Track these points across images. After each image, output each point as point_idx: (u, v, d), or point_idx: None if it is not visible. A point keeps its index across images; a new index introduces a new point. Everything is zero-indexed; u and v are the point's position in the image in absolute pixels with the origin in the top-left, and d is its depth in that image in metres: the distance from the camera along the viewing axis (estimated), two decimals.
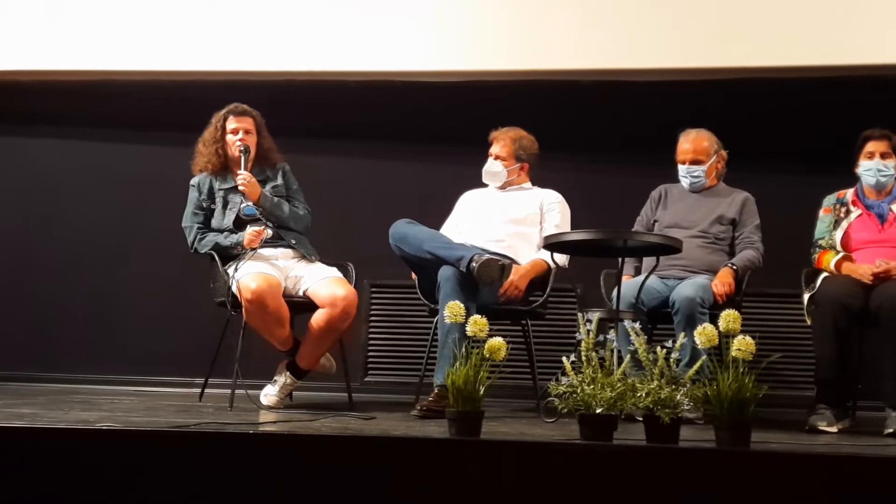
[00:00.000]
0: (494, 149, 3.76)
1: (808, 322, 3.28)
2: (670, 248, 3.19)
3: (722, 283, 3.39)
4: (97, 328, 4.60)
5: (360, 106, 4.43)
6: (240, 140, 3.61)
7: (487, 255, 3.31)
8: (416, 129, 4.47)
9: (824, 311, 3.15)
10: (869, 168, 3.40)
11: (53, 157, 4.77)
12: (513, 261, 3.53)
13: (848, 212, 3.42)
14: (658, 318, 3.45)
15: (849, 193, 3.48)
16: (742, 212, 3.63)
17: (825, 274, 3.36)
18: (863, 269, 3.24)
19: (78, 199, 4.72)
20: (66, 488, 2.18)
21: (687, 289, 3.31)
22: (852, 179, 3.48)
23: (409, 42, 4.33)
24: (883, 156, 3.38)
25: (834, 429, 3.07)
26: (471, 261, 3.24)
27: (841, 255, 3.35)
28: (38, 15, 4.48)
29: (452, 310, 2.57)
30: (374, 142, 4.54)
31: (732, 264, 3.48)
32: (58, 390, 4.10)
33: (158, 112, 4.51)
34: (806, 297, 3.34)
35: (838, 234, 3.40)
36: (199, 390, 3.69)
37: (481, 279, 3.24)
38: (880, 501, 2.03)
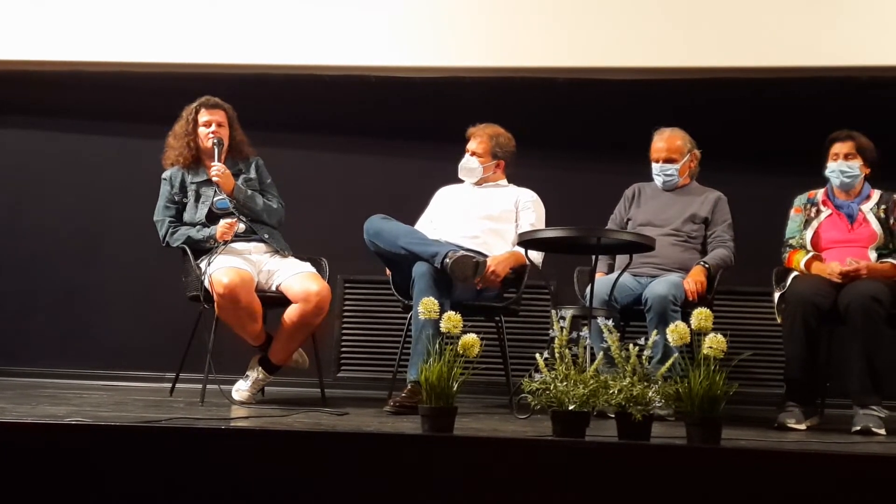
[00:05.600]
0: (471, 145, 3.76)
1: (779, 320, 3.31)
2: (643, 245, 3.20)
3: (694, 280, 3.40)
4: (67, 321, 4.55)
5: (335, 100, 4.43)
6: (213, 132, 3.59)
7: (462, 251, 3.30)
8: (391, 124, 4.48)
9: (794, 310, 3.16)
10: (833, 169, 3.44)
11: (23, 147, 4.71)
12: (487, 257, 3.52)
13: (818, 211, 3.45)
14: (631, 315, 3.47)
15: (819, 193, 3.52)
16: (714, 211, 3.64)
17: (795, 273, 3.39)
18: (831, 267, 3.27)
19: (48, 189, 4.67)
20: (32, 484, 2.15)
21: (659, 286, 3.33)
22: (824, 180, 3.51)
23: (384, 37, 4.32)
24: (847, 157, 3.41)
25: (802, 426, 3.10)
26: (445, 257, 3.24)
27: (811, 254, 3.38)
28: (12, 4, 4.44)
29: (427, 306, 2.57)
30: (349, 137, 4.53)
31: (704, 262, 3.50)
32: (26, 384, 4.06)
33: (131, 103, 4.49)
34: (776, 295, 3.36)
35: (808, 234, 3.42)
36: (170, 385, 3.68)
37: (455, 276, 3.24)
38: (848, 498, 2.04)
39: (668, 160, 3.66)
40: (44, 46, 4.39)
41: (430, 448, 2.16)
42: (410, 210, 3.79)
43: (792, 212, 3.53)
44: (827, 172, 3.48)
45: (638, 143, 3.75)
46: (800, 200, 3.53)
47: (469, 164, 3.75)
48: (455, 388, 2.43)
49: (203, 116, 3.62)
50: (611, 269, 3.66)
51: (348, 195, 4.48)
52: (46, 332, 4.53)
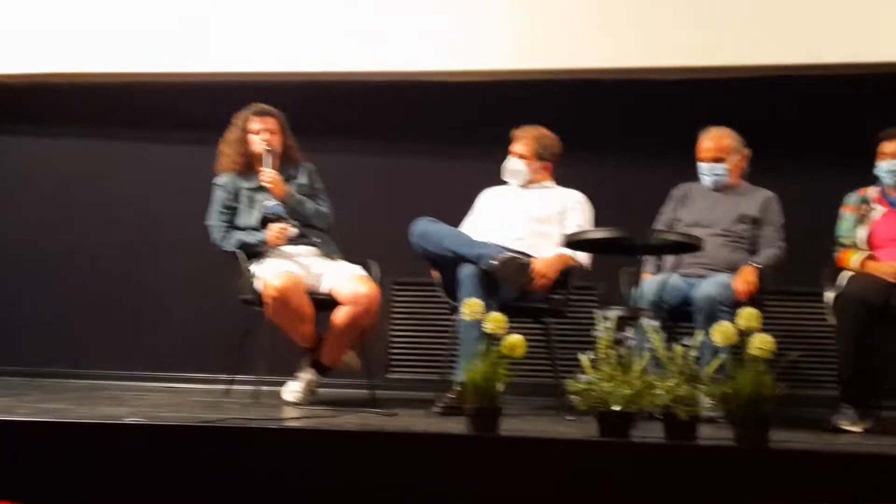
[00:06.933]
0: (516, 147, 3.75)
1: (832, 320, 3.26)
2: (691, 245, 3.17)
3: (744, 281, 3.36)
4: (126, 325, 4.64)
5: (382, 105, 4.42)
6: (265, 140, 3.65)
7: (508, 253, 3.30)
8: (438, 128, 4.46)
9: (847, 310, 3.12)
10: (885, 169, 3.38)
11: (83, 153, 4.81)
12: (532, 259, 3.51)
13: (872, 210, 3.40)
14: (680, 316, 3.43)
15: (872, 191, 3.45)
16: (765, 210, 3.60)
17: (848, 272, 3.33)
18: (887, 267, 3.21)
19: (108, 194, 4.76)
20: (92, 481, 2.21)
21: (708, 287, 3.30)
22: (872, 177, 3.44)
23: (431, 42, 4.31)
24: None
25: (857, 428, 3.04)
26: (491, 258, 3.24)
27: (865, 253, 3.32)
28: (60, 17, 4.54)
29: (471, 307, 2.59)
30: (397, 141, 4.54)
31: (755, 262, 3.46)
32: (88, 386, 4.13)
33: (181, 113, 4.56)
34: (829, 295, 3.31)
35: (863, 233, 3.37)
36: (225, 386, 3.74)
37: (501, 277, 3.24)
38: None
39: (716, 159, 3.62)
40: (96, 58, 4.49)
41: (474, 447, 2.19)
42: (457, 213, 3.80)
43: (843, 210, 3.48)
44: (879, 171, 3.42)
45: (685, 143, 3.72)
46: (851, 199, 3.48)
47: (514, 166, 3.75)
48: (499, 388, 2.44)
49: (254, 124, 3.68)
50: (658, 270, 3.60)
51: (395, 199, 4.45)
52: (106, 335, 4.62)
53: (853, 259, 3.34)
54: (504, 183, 3.82)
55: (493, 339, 2.52)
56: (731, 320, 2.45)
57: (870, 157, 3.43)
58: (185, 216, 4.26)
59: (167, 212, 4.66)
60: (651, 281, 3.43)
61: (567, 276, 3.57)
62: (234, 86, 4.33)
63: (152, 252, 4.69)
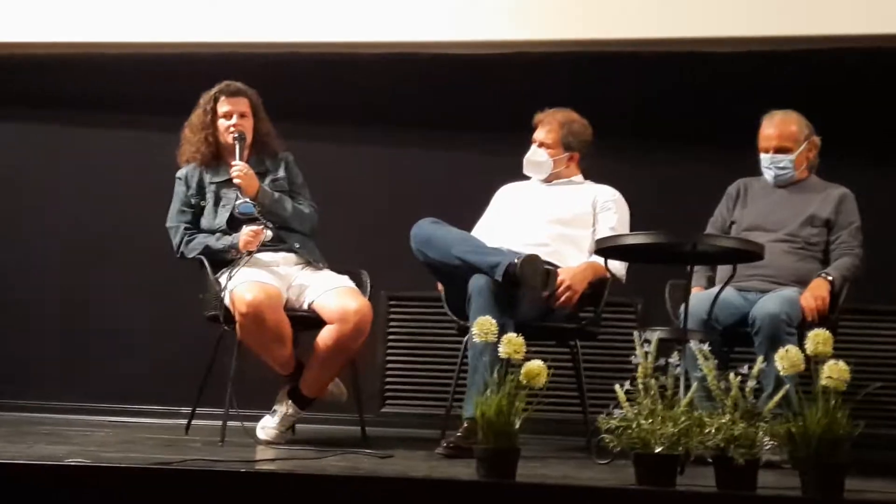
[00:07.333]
0: (539, 134, 3.76)
1: None
2: (750, 254, 3.17)
3: (814, 296, 3.37)
4: (67, 345, 4.64)
5: (377, 84, 4.42)
6: (234, 125, 3.64)
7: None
8: (444, 111, 4.45)
9: None
10: None
11: (14, 141, 4.80)
12: (558, 269, 3.52)
13: None
14: (735, 339, 3.45)
15: None
16: (839, 211, 3.61)
17: None
18: None
19: (44, 190, 4.76)
20: None
21: (770, 304, 3.30)
22: None
23: (434, 7, 4.32)
24: None
25: None
26: (508, 266, 3.23)
27: None
28: None
29: (483, 327, 2.59)
30: (394, 127, 4.53)
31: (827, 274, 3.47)
32: (21, 420, 4.13)
33: (141, 91, 4.54)
34: None
35: None
36: (185, 421, 3.74)
37: (524, 279, 3.23)
38: None
39: (780, 149, 3.63)
40: (36, 27, 4.48)
41: (487, 497, 2.19)
42: (466, 213, 3.80)
43: None
44: None
45: (743, 130, 3.71)
46: None
47: (536, 157, 3.75)
48: (517, 425, 2.44)
49: (223, 106, 3.67)
50: (710, 284, 3.64)
51: (394, 197, 4.50)
52: (44, 358, 4.62)
53: None
54: (524, 177, 3.83)
55: (509, 365, 2.53)
56: (799, 344, 2.45)
57: None
58: (141, 217, 4.28)
59: (118, 212, 4.65)
60: (701, 296, 3.43)
61: (599, 289, 3.56)
62: (199, 59, 4.33)
63: (98, 261, 4.67)
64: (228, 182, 3.64)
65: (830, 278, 3.46)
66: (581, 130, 3.76)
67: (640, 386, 2.45)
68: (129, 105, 4.63)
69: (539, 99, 3.81)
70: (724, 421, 2.36)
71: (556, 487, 2.34)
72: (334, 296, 3.47)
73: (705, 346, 2.52)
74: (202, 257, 3.59)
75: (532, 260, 3.24)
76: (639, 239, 3.17)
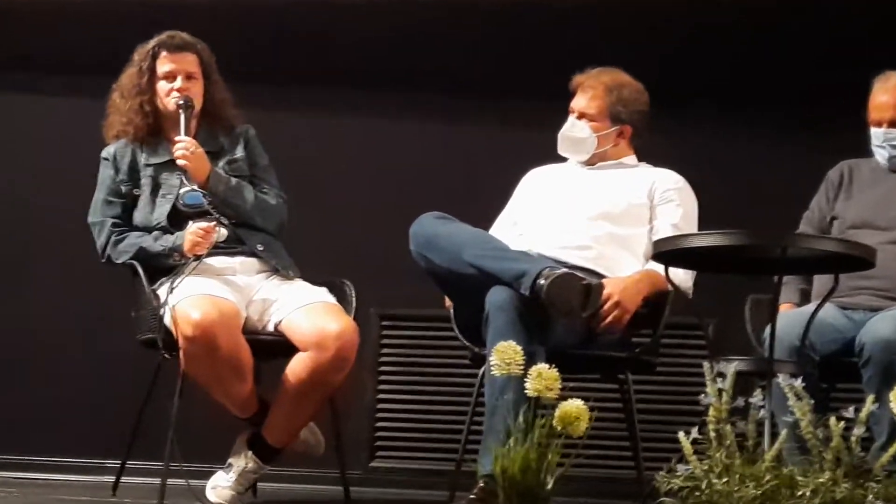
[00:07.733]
0: (579, 102, 3.72)
1: None
2: (857, 260, 3.10)
3: None
4: None
5: (364, 37, 4.45)
6: (178, 89, 3.64)
7: (565, 268, 3.27)
8: (450, 72, 4.46)
9: None
10: None
11: None
12: (604, 280, 3.49)
13: None
14: (838, 371, 3.47)
15: None
16: None
17: None
18: None
19: None
20: None
21: (883, 326, 3.30)
22: None
23: None
24: None
25: None
26: (538, 277, 3.17)
27: None
28: None
29: (505, 355, 2.60)
30: (385, 92, 4.54)
31: None
32: None
33: (61, 46, 4.55)
34: None
35: None
36: (112, 478, 3.76)
37: (554, 305, 3.17)
38: None
39: (895, 122, 3.60)
40: None
41: None
42: (483, 205, 3.81)
43: None
44: None
45: (847, 95, 3.68)
46: None
47: (575, 132, 3.70)
48: (549, 485, 2.49)
49: (164, 64, 3.67)
50: (805, 300, 3.62)
51: (387, 184, 4.50)
52: None
53: None
54: (560, 159, 3.81)
55: (539, 406, 2.56)
56: None
57: None
58: (58, 209, 4.32)
59: (28, 203, 4.65)
60: (792, 316, 3.40)
61: (658, 306, 3.55)
62: (141, 7, 4.33)
63: (3, 262, 4.66)
64: (171, 164, 3.63)
65: None
66: (634, 97, 3.72)
67: (712, 433, 2.51)
68: (49, 64, 4.64)
69: (574, 57, 3.79)
70: (822, 480, 2.42)
71: None
72: (309, 314, 3.48)
73: (798, 382, 2.57)
74: (135, 263, 3.59)
75: (563, 280, 3.19)
76: (711, 240, 3.07)
